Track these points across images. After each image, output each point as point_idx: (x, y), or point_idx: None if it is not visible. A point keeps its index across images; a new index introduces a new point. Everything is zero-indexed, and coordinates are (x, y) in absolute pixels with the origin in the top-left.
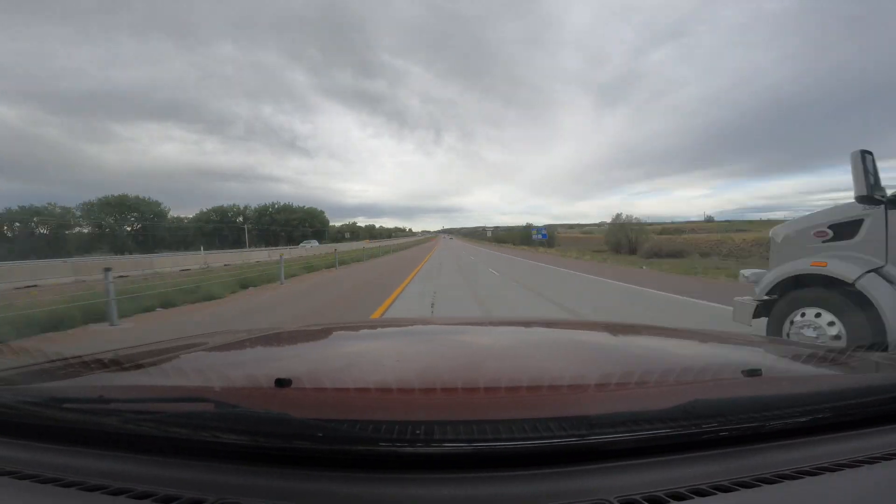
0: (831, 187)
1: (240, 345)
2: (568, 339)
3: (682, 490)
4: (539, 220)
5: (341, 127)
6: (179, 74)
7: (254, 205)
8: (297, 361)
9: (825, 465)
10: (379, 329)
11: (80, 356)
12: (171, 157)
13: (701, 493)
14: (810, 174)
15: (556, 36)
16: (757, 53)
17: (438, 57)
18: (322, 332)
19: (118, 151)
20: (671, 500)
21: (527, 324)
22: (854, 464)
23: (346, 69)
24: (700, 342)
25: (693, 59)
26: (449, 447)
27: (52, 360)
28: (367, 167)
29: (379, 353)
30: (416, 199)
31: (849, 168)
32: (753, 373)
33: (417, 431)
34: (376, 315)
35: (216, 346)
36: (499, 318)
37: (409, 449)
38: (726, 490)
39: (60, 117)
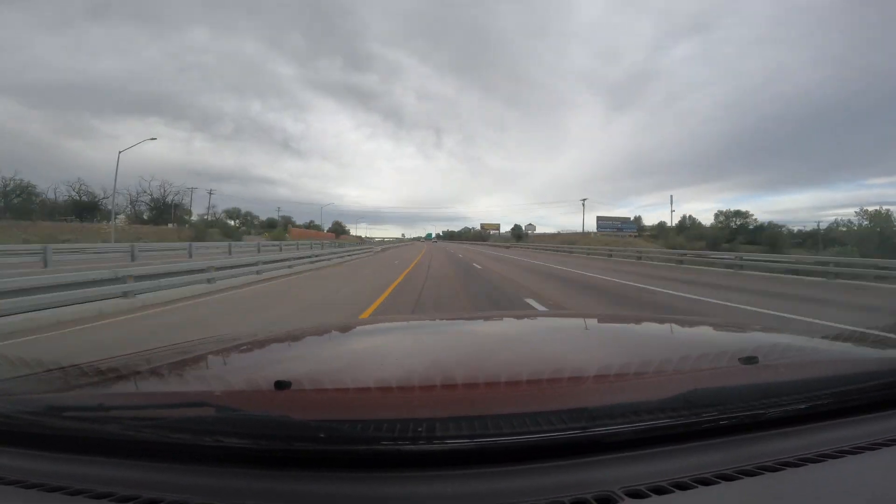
0: (845, 202)
1: (238, 348)
2: (566, 331)
3: (686, 479)
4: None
5: (336, 128)
6: (154, 64)
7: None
8: (296, 363)
9: (827, 451)
10: (377, 328)
11: (77, 365)
12: (158, 156)
13: (705, 482)
14: (825, 188)
15: (563, 27)
16: (786, 53)
17: (434, 48)
18: (320, 333)
19: (102, 149)
20: (676, 490)
21: (525, 317)
22: (856, 450)
23: (333, 59)
24: (697, 331)
25: (716, 58)
26: (451, 444)
27: (50, 370)
28: (365, 171)
29: (378, 352)
30: (418, 205)
31: (865, 182)
32: (750, 360)
33: (419, 429)
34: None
35: (215, 350)
36: (496, 313)
37: (411, 447)
38: (729, 479)
39: (39, 111)
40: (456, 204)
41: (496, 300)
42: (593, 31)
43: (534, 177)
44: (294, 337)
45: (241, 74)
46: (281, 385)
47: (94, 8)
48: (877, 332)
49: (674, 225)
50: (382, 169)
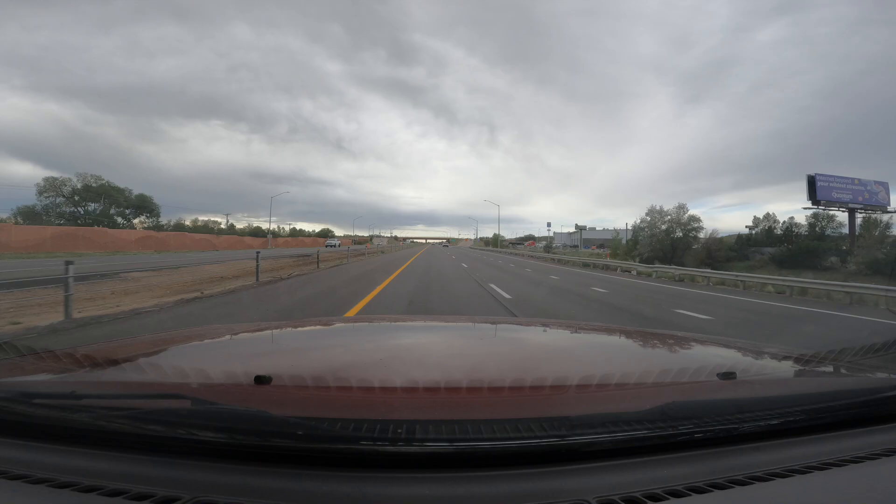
0: None
1: (219, 341)
2: (550, 341)
3: (658, 491)
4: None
5: (387, 126)
6: (205, 63)
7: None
8: (278, 359)
9: (796, 467)
10: (362, 327)
11: (52, 351)
12: (222, 159)
13: (676, 494)
14: None
15: (625, 8)
16: (891, 34)
17: (481, 37)
18: (304, 329)
19: (173, 152)
20: (648, 501)
21: (510, 324)
22: (824, 466)
23: (377, 52)
24: (678, 345)
25: (811, 41)
26: (430, 446)
27: (23, 355)
28: (419, 171)
29: (362, 352)
30: (473, 207)
31: None
32: (728, 376)
33: (399, 430)
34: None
35: (194, 342)
36: (483, 318)
37: (390, 448)
38: (700, 491)
39: (110, 115)
40: (512, 206)
41: None
42: (661, 12)
43: (596, 177)
44: (278, 332)
45: (288, 72)
46: (261, 380)
47: (134, 7)
48: (852, 352)
49: None
50: (437, 169)
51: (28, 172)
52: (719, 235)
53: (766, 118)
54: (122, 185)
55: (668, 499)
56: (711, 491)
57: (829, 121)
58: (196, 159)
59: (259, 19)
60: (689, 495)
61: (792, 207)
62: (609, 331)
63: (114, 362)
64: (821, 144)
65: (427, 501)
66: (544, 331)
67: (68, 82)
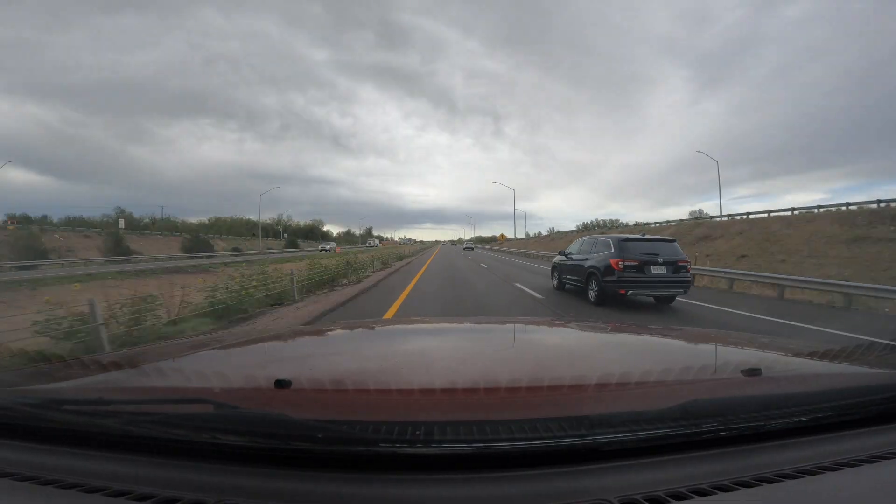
0: None
1: (240, 346)
2: (567, 340)
3: (682, 490)
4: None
5: (384, 120)
6: (179, 55)
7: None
8: (296, 363)
9: (826, 464)
10: (379, 330)
11: (79, 358)
12: (215, 159)
13: (701, 493)
14: None
15: None
16: None
17: (476, 16)
18: (322, 334)
19: (163, 153)
20: (672, 500)
21: (527, 324)
22: (855, 463)
23: (363, 34)
24: (699, 341)
25: (843, 18)
26: (448, 448)
27: (52, 362)
28: (422, 168)
29: (379, 354)
30: (481, 203)
31: None
32: (753, 372)
33: (417, 432)
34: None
35: (216, 347)
36: (499, 319)
37: (408, 449)
38: (726, 490)
39: (93, 116)
40: (521, 201)
41: None
42: None
43: (608, 169)
44: (297, 337)
45: (271, 62)
46: (281, 384)
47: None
48: (883, 346)
49: None
50: (441, 165)
51: (22, 178)
52: None
53: (790, 102)
54: (113, 188)
55: (692, 497)
56: (738, 489)
57: (858, 103)
58: (189, 161)
59: (226, 3)
60: (716, 493)
61: (813, 198)
62: (628, 329)
63: (138, 368)
64: (849, 129)
65: (446, 502)
66: (561, 330)
67: (39, 81)
